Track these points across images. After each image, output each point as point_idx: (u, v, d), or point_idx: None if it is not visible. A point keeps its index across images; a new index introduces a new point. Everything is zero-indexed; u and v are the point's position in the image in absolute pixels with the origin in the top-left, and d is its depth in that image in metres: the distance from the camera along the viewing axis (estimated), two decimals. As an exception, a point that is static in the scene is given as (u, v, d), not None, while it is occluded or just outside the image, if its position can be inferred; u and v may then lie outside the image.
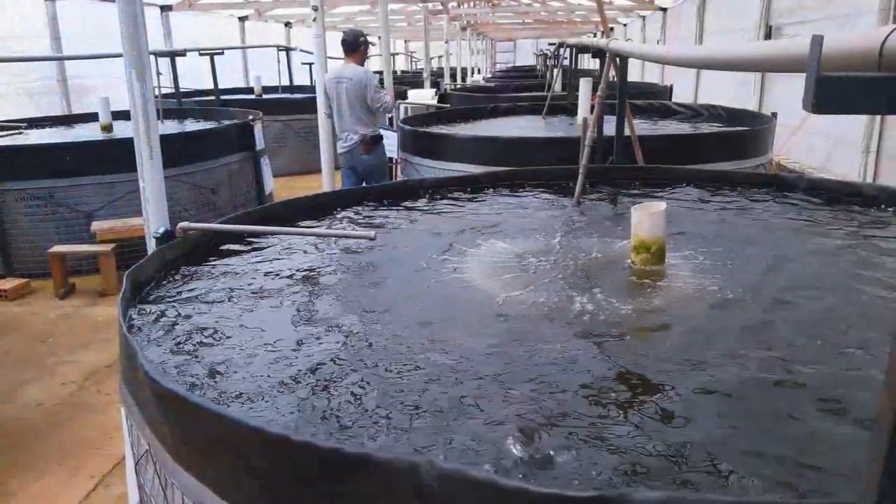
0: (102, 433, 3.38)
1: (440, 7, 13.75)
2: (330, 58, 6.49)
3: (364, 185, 5.56)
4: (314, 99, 5.57)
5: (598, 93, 3.30)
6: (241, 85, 13.97)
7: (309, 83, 12.37)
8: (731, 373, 1.47)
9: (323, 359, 1.62)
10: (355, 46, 5.75)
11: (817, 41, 0.82)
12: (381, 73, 7.49)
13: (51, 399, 3.77)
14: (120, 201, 5.82)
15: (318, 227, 2.78)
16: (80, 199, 5.84)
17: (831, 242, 2.40)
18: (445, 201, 3.15)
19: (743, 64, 1.27)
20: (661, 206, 2.17)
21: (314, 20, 5.64)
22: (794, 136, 6.28)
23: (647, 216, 2.15)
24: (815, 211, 2.83)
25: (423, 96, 9.93)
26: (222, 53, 9.30)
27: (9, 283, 5.45)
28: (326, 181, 5.43)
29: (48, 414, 3.62)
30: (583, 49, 5.00)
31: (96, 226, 5.64)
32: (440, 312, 1.92)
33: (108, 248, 5.41)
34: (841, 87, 0.79)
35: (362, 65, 5.84)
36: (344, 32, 5.91)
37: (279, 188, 8.10)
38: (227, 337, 1.77)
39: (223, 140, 6.90)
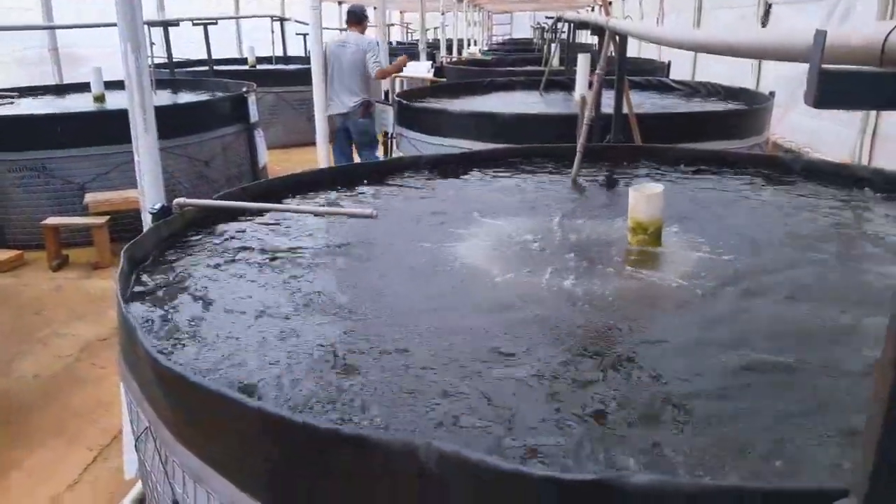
0: (98, 406, 3.40)
1: (437, -22, 13.58)
2: (326, 28, 6.50)
3: (355, 147, 6.45)
4: (309, 70, 5.53)
5: (597, 70, 3.28)
6: (235, 55, 13.81)
7: (303, 54, 12.25)
8: (727, 355, 1.49)
9: (321, 335, 1.63)
10: (362, 18, 6.57)
11: (820, 36, 0.82)
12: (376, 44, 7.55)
13: (46, 371, 3.79)
14: (113, 172, 5.78)
15: (317, 204, 2.77)
16: (73, 171, 5.80)
17: (830, 224, 2.42)
18: (442, 178, 3.15)
19: (744, 51, 1.27)
20: (659, 187, 2.17)
21: (310, -9, 5.57)
22: (789, 115, 6.27)
23: (644, 198, 2.15)
24: (812, 191, 2.84)
25: (419, 69, 9.84)
26: (216, 23, 9.18)
27: (2, 255, 5.43)
28: (322, 154, 5.39)
29: (44, 386, 3.63)
30: (581, 25, 4.96)
31: (90, 198, 5.60)
32: (435, 290, 1.93)
33: (101, 220, 5.39)
34: (843, 82, 0.80)
35: (363, 34, 6.59)
36: (353, 4, 6.80)
37: (273, 160, 8.06)
38: (226, 313, 1.78)
39: (217, 112, 6.85)
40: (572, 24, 6.47)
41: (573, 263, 2.08)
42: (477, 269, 2.06)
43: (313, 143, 5.56)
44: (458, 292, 1.92)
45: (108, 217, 5.44)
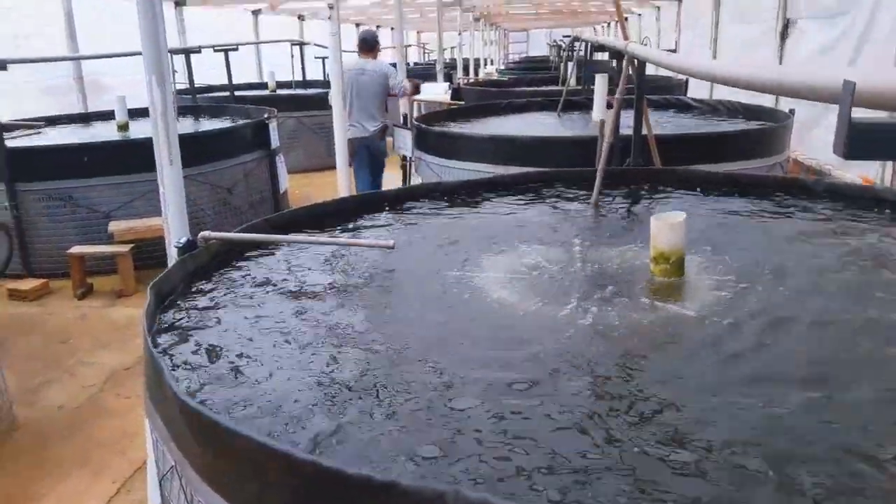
0: (123, 437, 3.42)
1: (453, -1, 13.70)
2: (344, 51, 6.58)
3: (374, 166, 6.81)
4: (328, 94, 5.63)
5: (616, 96, 3.28)
6: (255, 80, 13.99)
7: (322, 78, 12.39)
8: (755, 397, 1.47)
9: (352, 373, 1.63)
10: (374, 45, 7.05)
11: (849, 85, 0.81)
12: (394, 64, 7.72)
13: (72, 401, 3.82)
14: (138, 201, 5.87)
15: (338, 234, 2.79)
16: (98, 200, 5.89)
17: (858, 251, 2.38)
18: (462, 204, 3.16)
19: (769, 87, 1.26)
20: (681, 216, 2.16)
21: (329, 18, 5.65)
22: (810, 133, 6.22)
23: (666, 227, 2.14)
24: (837, 214, 2.80)
25: (437, 91, 9.89)
26: (237, 49, 9.32)
27: (28, 284, 5.51)
28: (342, 181, 5.44)
29: (69, 417, 3.66)
30: (599, 48, 4.97)
31: (114, 226, 5.68)
32: (456, 323, 1.93)
33: (125, 248, 5.46)
34: (872, 134, 0.79)
35: (376, 59, 7.05)
36: (364, 32, 7.24)
37: (294, 185, 8.13)
38: (253, 348, 1.78)
39: (239, 139, 6.93)
40: (589, 44, 6.48)
41: (593, 294, 2.07)
42: (497, 300, 2.05)
43: (333, 167, 5.63)
44: (477, 324, 1.91)
45: (132, 245, 5.50)
